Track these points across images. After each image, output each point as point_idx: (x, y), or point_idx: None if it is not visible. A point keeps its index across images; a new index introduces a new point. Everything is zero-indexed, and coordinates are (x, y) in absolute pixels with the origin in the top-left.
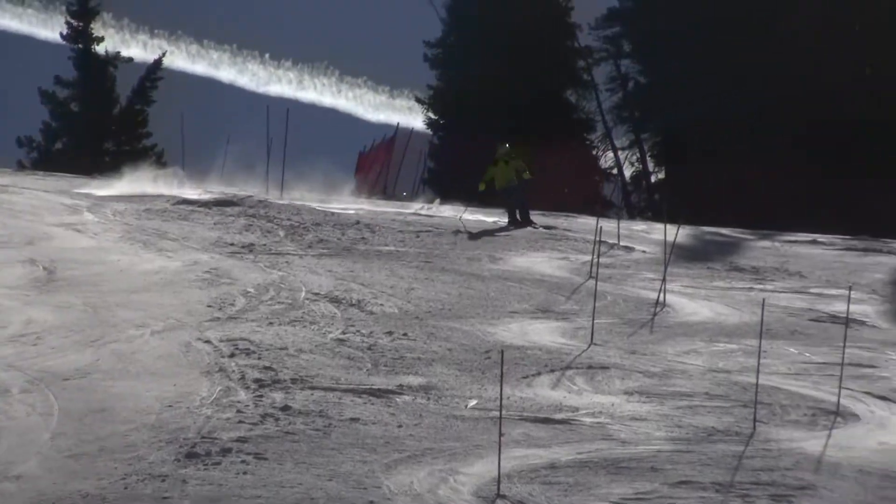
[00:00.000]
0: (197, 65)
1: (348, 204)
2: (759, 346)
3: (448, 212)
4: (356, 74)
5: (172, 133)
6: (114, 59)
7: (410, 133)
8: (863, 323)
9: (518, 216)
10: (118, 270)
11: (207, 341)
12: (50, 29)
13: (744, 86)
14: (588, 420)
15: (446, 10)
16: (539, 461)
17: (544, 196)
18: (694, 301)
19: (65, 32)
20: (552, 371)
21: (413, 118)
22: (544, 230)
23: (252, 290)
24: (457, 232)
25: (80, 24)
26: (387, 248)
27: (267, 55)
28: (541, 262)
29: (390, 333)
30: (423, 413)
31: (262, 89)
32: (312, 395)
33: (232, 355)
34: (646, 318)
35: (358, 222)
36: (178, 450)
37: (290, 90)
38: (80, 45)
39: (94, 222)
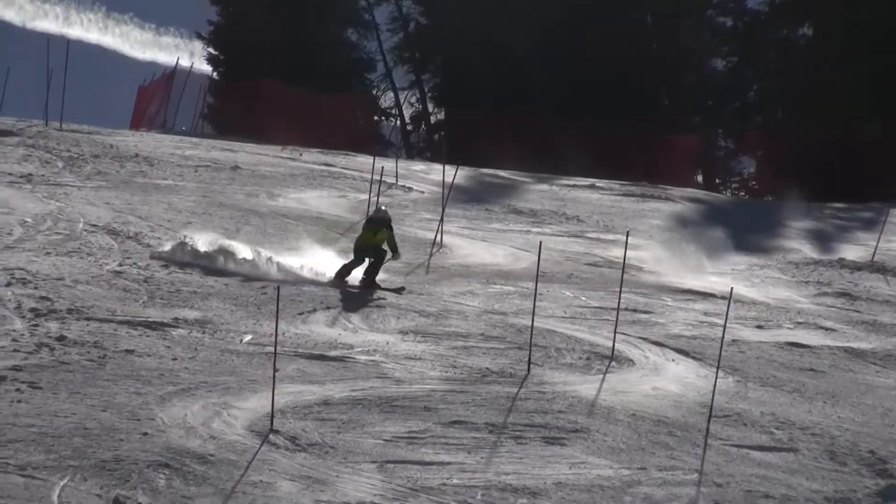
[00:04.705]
0: None
1: (127, 137)
2: (535, 289)
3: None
4: (124, 10)
5: None
6: None
7: (190, 68)
8: (640, 269)
9: (362, 279)
10: None
11: None
12: None
13: (524, 32)
14: (363, 358)
15: None
16: (313, 398)
17: (321, 135)
18: (471, 242)
19: None
20: (328, 308)
21: (177, 56)
22: (389, 291)
23: (30, 220)
24: (235, 168)
25: None
26: (165, 181)
27: None
28: (319, 200)
29: (167, 266)
30: (199, 347)
31: (29, 25)
32: (88, 325)
33: (8, 284)
34: (423, 259)
35: (137, 155)
36: None
37: (56, 26)
38: None
39: None
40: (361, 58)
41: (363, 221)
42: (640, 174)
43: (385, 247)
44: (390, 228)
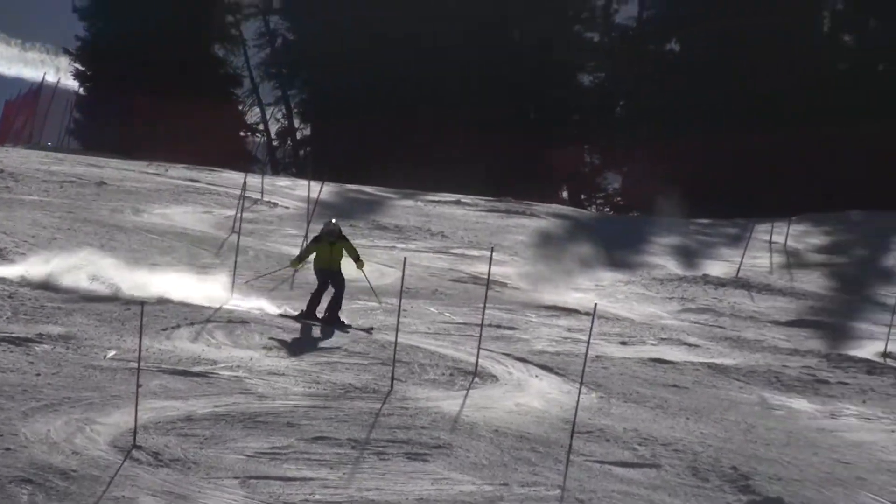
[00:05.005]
0: None
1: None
2: (399, 305)
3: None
4: None
5: None
6: None
7: (56, 84)
8: (504, 285)
9: (324, 311)
10: None
11: None
12: None
13: (389, 50)
14: (226, 374)
15: None
16: (176, 413)
17: (187, 150)
18: None
19: None
20: (192, 324)
21: (44, 72)
22: (358, 331)
23: None
24: (101, 183)
25: None
26: (31, 197)
27: None
28: (184, 216)
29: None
30: (62, 362)
31: None
32: None
33: None
34: (287, 274)
35: (2, 171)
36: None
37: None
38: None
39: None
40: (228, 73)
41: (309, 243)
42: (509, 190)
43: (343, 269)
44: (344, 238)
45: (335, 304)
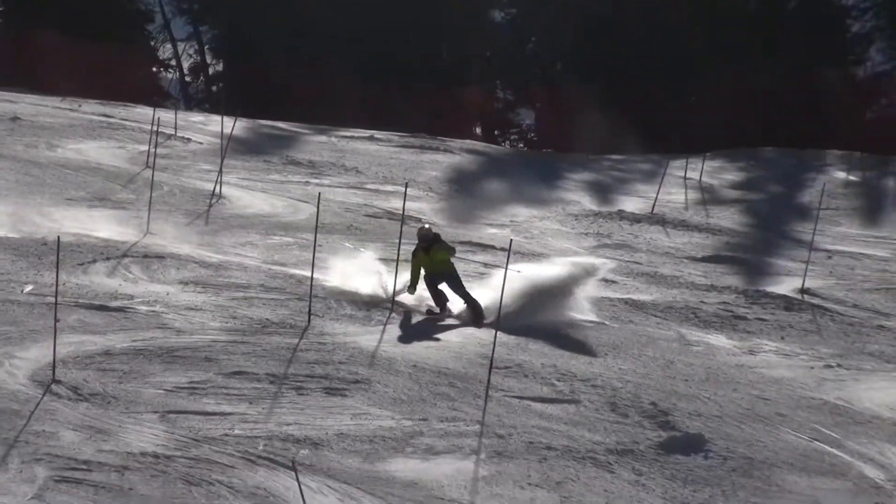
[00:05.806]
0: None
1: None
2: (315, 240)
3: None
4: None
5: None
6: None
7: None
8: (419, 220)
9: (467, 311)
10: None
11: None
12: None
13: None
14: (143, 308)
15: None
16: (94, 348)
17: (100, 86)
18: (250, 193)
19: None
20: (108, 259)
21: None
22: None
23: None
24: (14, 119)
25: None
26: None
27: None
28: (98, 151)
29: None
30: None
31: None
32: None
33: None
34: (202, 210)
35: None
36: None
37: None
38: None
39: None
40: (140, 9)
41: (411, 260)
42: (423, 127)
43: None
44: (439, 240)
45: (471, 303)
